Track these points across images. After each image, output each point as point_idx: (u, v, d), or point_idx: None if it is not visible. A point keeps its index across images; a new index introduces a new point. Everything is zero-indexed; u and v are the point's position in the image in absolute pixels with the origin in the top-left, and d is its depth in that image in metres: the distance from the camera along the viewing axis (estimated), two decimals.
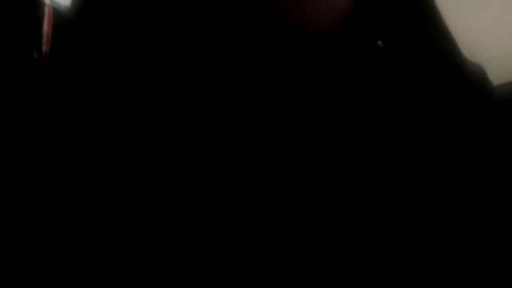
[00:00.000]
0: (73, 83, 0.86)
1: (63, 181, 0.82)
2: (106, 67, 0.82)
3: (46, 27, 0.89)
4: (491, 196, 0.81)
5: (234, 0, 0.78)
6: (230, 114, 0.79)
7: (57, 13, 0.90)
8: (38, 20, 0.88)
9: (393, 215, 0.79)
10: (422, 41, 0.81)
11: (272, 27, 0.78)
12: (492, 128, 0.82)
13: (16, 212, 0.83)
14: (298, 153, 0.79)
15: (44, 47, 0.88)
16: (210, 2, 0.79)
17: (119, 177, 0.81)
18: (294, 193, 0.79)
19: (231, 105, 0.79)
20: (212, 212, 0.79)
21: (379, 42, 0.79)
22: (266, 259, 0.79)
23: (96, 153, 0.81)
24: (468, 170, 0.80)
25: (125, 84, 0.82)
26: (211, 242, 0.79)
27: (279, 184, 0.79)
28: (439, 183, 0.80)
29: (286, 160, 0.79)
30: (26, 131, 0.84)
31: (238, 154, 0.79)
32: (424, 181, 0.80)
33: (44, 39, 0.88)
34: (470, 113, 0.81)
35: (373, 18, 0.79)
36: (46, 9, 0.89)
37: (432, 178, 0.80)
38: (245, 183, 0.79)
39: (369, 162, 0.79)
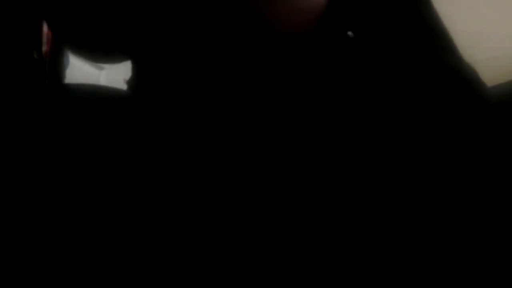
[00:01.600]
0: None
1: (63, 181, 0.82)
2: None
3: (46, 27, 0.89)
4: (486, 195, 0.81)
5: (216, 6, 0.79)
6: (215, 112, 0.80)
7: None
8: (38, 20, 0.88)
9: (384, 215, 0.80)
10: (411, 41, 0.82)
11: (250, 29, 0.79)
12: (486, 126, 0.82)
13: (16, 212, 0.83)
14: (281, 147, 0.80)
15: (44, 47, 0.88)
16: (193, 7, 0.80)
17: (119, 176, 0.81)
18: (283, 191, 0.80)
19: (216, 103, 0.80)
20: (211, 212, 0.80)
21: (350, 33, 0.79)
22: (265, 259, 0.79)
23: (95, 152, 0.82)
24: (462, 169, 0.81)
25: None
26: (210, 242, 0.79)
27: (268, 180, 0.80)
28: (430, 182, 0.80)
29: (270, 157, 0.80)
30: (26, 131, 0.84)
31: (224, 153, 0.80)
32: (415, 180, 0.80)
33: (44, 39, 0.88)
34: (458, 112, 0.81)
35: (346, 12, 0.80)
36: None
37: (423, 177, 0.80)
38: (237, 183, 0.79)
39: (356, 158, 0.79)
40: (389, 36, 0.80)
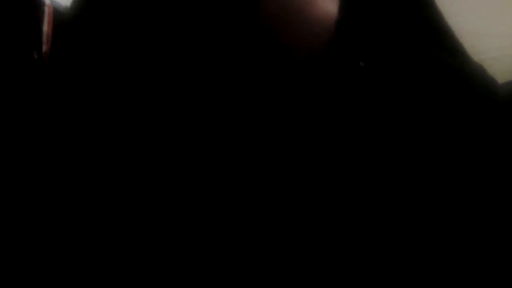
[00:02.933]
0: (73, 83, 0.86)
1: (63, 181, 0.82)
2: (105, 67, 0.83)
3: (46, 27, 0.89)
4: (492, 194, 0.81)
5: (230, 23, 0.80)
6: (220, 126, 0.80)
7: (57, 13, 0.90)
8: (38, 20, 0.88)
9: (392, 216, 0.80)
10: (419, 48, 0.82)
11: (263, 48, 0.79)
12: (494, 126, 0.82)
13: (16, 212, 0.83)
14: (286, 168, 0.80)
15: (44, 47, 0.88)
16: (205, 16, 0.80)
17: (119, 177, 0.81)
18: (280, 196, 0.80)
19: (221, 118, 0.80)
20: (211, 212, 0.79)
21: (361, 63, 0.80)
22: (266, 259, 0.79)
23: (95, 152, 0.82)
24: (469, 170, 0.81)
25: (123, 84, 0.82)
26: (210, 242, 0.79)
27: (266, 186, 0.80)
28: (440, 182, 0.80)
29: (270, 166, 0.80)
30: (26, 131, 0.84)
31: (224, 156, 0.80)
32: (425, 180, 0.80)
33: (44, 39, 0.88)
34: (471, 113, 0.81)
35: (356, 39, 0.80)
36: (46, 9, 0.89)
37: (433, 178, 0.80)
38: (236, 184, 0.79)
39: (362, 174, 0.80)
40: (394, 39, 0.80)
